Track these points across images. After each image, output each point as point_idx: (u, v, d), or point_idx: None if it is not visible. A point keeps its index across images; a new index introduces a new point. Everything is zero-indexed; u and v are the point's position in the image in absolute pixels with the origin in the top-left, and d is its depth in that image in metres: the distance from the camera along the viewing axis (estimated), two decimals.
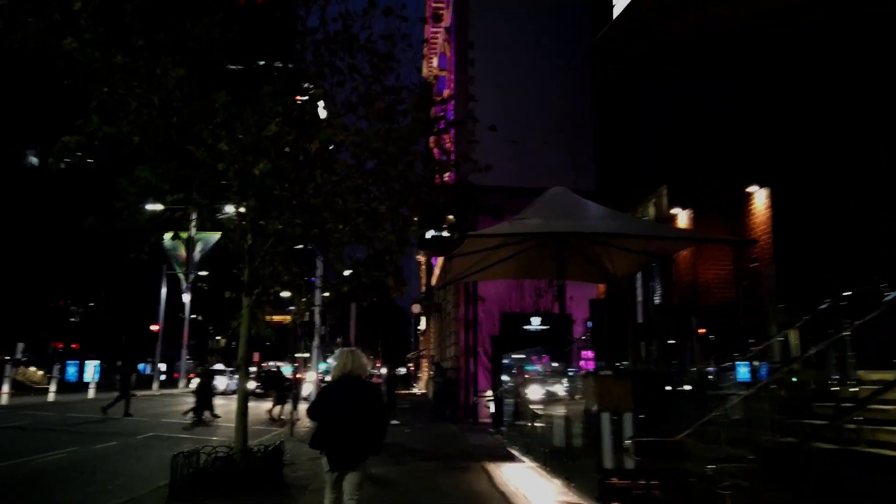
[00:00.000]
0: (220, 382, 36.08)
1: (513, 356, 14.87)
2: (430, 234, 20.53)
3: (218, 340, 75.62)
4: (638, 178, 15.40)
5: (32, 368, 40.30)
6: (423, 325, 54.03)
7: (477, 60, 21.77)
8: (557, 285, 8.26)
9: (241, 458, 8.12)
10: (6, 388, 21.51)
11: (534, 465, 9.48)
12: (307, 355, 28.80)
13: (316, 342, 18.10)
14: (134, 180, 6.97)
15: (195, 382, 35.44)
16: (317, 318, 18.19)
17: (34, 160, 64.94)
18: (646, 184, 15.04)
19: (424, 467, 10.61)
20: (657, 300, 14.50)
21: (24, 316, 49.01)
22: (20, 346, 42.70)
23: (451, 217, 20.52)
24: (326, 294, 18.92)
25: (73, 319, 55.48)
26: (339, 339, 55.64)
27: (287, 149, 6.43)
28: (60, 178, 47.69)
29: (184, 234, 33.44)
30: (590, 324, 17.79)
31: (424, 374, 53.35)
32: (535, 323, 21.77)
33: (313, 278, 19.08)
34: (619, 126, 16.88)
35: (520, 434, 11.67)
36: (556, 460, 7.97)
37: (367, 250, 9.00)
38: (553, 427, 8.50)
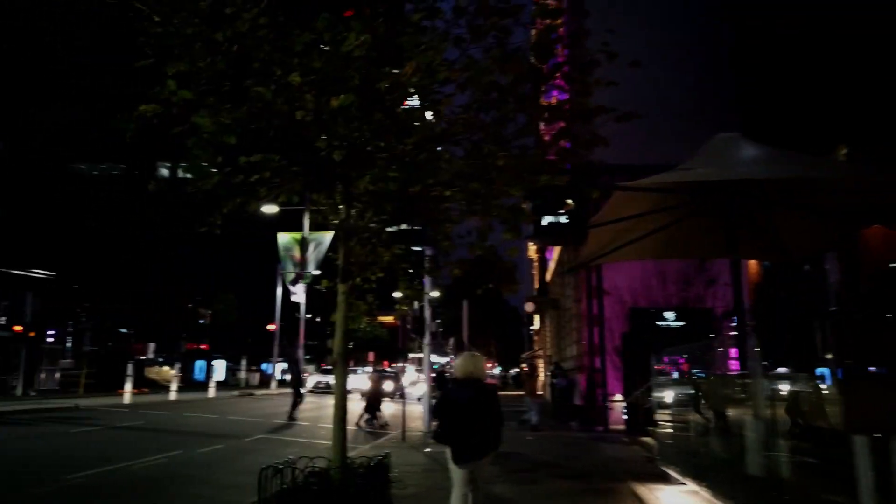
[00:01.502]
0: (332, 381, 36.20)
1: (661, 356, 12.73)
2: (546, 220, 18.67)
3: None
4: (801, 142, 12.79)
5: (166, 367, 42.29)
6: (536, 324, 51.97)
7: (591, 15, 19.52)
8: (732, 262, 6.20)
9: (339, 473, 6.73)
10: (128, 386, 21.91)
11: (708, 494, 7.33)
12: (420, 355, 27.77)
13: (427, 339, 16.76)
14: (198, 140, 5.76)
15: (312, 381, 35.78)
16: (427, 314, 16.86)
17: (164, 172, 69.33)
18: (812, 146, 12.42)
19: (561, 488, 8.84)
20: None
21: (158, 317, 52.02)
22: (152, 346, 45.17)
23: (569, 201, 18.55)
24: (434, 293, 17.69)
25: (201, 321, 58.31)
26: (451, 340, 54.76)
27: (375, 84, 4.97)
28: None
29: (297, 235, 33.69)
30: (735, 319, 15.26)
31: (540, 375, 51.25)
32: (670, 318, 19.35)
33: (423, 280, 17.82)
34: (773, 88, 14.27)
35: (674, 446, 9.58)
36: (749, 491, 5.80)
37: (481, 223, 7.37)
38: (733, 441, 6.39)
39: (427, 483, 8.86)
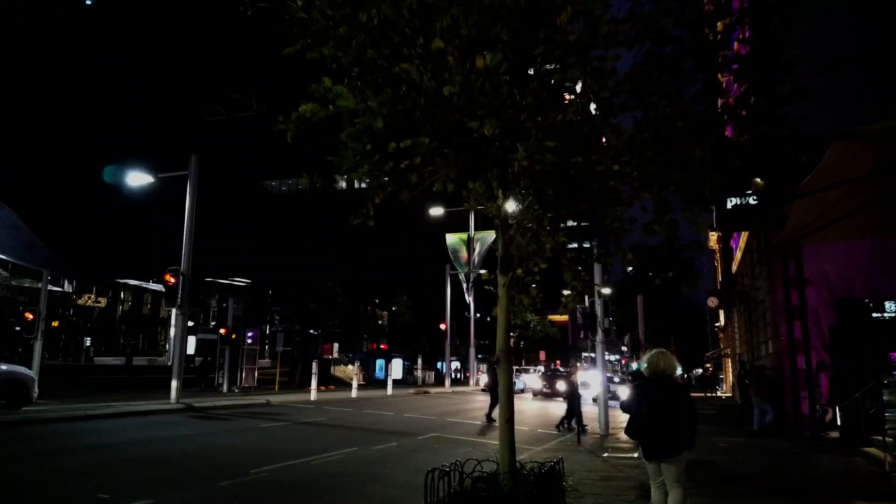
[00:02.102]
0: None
1: None
2: (731, 202, 16.73)
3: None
4: None
5: (350, 366, 44.91)
6: (721, 321, 47.92)
7: None
8: None
9: (508, 479, 6.21)
10: (314, 384, 23.26)
11: None
12: (593, 354, 26.63)
13: (599, 336, 15.74)
14: (352, 132, 5.57)
15: (483, 380, 35.91)
16: (598, 310, 15.86)
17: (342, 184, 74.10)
18: None
19: None
20: None
21: (342, 318, 55.57)
22: (336, 346, 48.24)
23: (758, 180, 16.43)
24: (606, 289, 16.55)
25: (380, 322, 61.38)
26: (625, 338, 52.31)
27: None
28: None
29: (464, 235, 34.03)
30: None
31: (728, 375, 47.20)
32: (891, 309, 16.49)
33: (592, 272, 16.73)
34: None
35: None
36: None
37: (656, 201, 6.42)
38: None
39: (605, 492, 8.05)
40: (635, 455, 11.76)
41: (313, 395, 22.87)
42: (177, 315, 17.57)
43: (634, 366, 27.55)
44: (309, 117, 6.29)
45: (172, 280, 17.14)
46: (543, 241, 7.52)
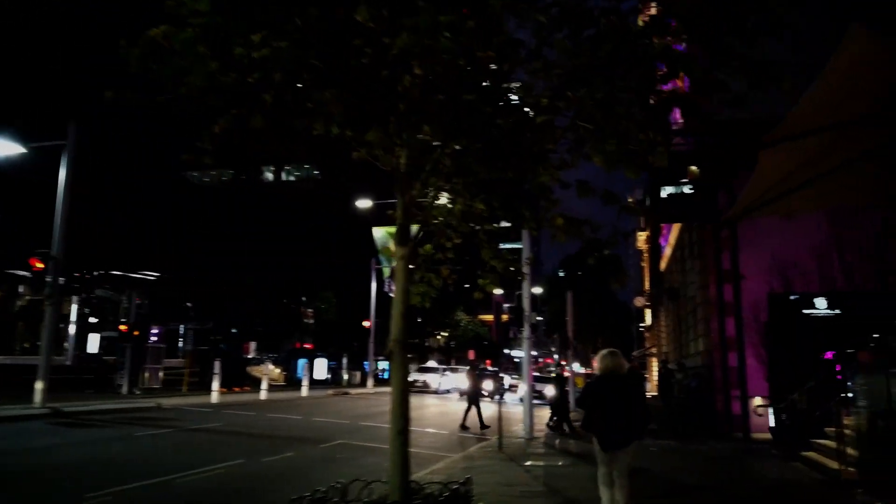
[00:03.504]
0: (431, 381, 34.59)
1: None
2: (666, 191, 15.87)
3: (438, 338, 76.28)
4: None
5: (271, 366, 42.52)
6: (647, 321, 48.19)
7: None
8: None
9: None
10: (216, 385, 21.15)
11: None
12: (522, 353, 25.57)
13: (526, 332, 14.51)
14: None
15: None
16: (525, 304, 14.62)
17: (269, 176, 71.10)
18: None
19: None
20: None
21: (263, 316, 52.89)
22: (253, 344, 45.69)
23: (693, 168, 15.66)
24: (537, 289, 15.29)
25: (306, 321, 58.90)
26: (555, 336, 51.93)
27: None
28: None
29: (392, 229, 32.35)
30: None
31: (653, 375, 47.52)
32: (821, 306, 15.92)
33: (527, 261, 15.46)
34: None
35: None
36: None
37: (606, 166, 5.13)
38: None
39: None
40: (560, 463, 10.53)
41: (215, 398, 20.75)
42: (47, 305, 15.19)
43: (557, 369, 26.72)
44: (162, 41, 4.63)
45: (40, 265, 14.77)
46: (457, 203, 6.14)
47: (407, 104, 5.16)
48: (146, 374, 26.91)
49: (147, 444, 11.65)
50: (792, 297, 15.53)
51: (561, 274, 60.10)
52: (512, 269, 7.51)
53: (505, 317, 55.38)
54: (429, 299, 6.79)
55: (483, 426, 15.46)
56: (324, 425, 15.64)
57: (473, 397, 16.18)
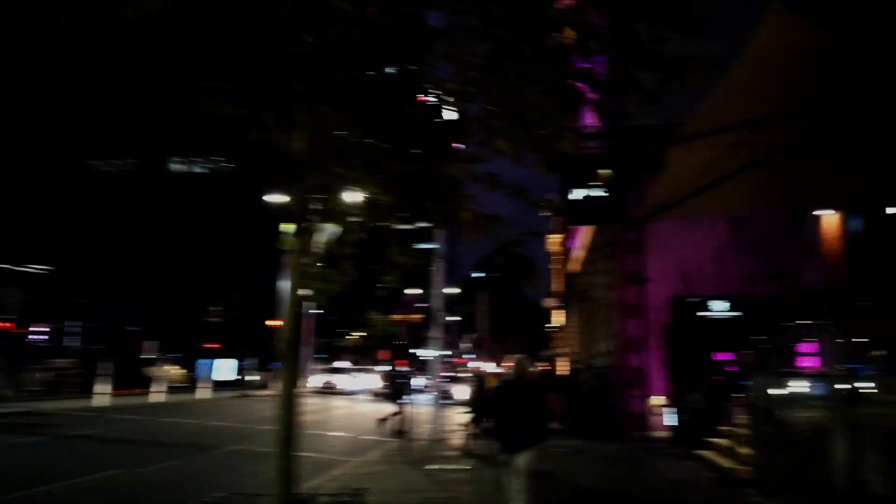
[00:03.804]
0: (339, 382, 33.75)
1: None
2: (577, 194, 16.03)
3: (350, 338, 75.06)
4: None
5: (174, 367, 40.35)
6: (557, 322, 49.27)
7: None
8: None
9: None
10: (104, 387, 19.67)
11: None
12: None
13: (437, 332, 14.23)
14: None
15: (319, 380, 33.32)
16: (437, 303, 14.35)
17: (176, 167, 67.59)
18: None
19: None
20: None
21: (166, 315, 50.16)
22: (153, 344, 43.19)
23: (605, 171, 15.89)
24: (454, 289, 15.04)
25: (212, 320, 56.38)
26: (469, 336, 52.23)
27: None
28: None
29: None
30: None
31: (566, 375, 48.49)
32: (718, 308, 16.55)
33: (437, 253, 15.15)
34: None
35: (777, 467, 6.95)
36: None
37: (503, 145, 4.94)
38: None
39: None
40: (465, 466, 10.29)
41: (105, 400, 19.27)
42: None
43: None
44: None
45: None
46: (359, 197, 5.79)
47: (305, 83, 4.76)
48: (31, 375, 24.80)
49: (14, 454, 10.49)
50: (690, 300, 16.07)
51: (476, 275, 60.63)
52: (419, 266, 7.19)
53: (415, 317, 55.08)
54: (327, 298, 6.38)
55: (399, 431, 15.09)
56: (220, 429, 14.76)
57: (395, 400, 15.68)
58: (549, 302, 47.78)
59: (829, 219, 11.24)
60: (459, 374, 41.61)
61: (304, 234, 5.23)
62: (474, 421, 15.90)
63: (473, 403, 16.42)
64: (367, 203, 5.71)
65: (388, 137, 5.17)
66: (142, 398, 22.86)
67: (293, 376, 4.92)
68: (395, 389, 15.12)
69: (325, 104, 4.84)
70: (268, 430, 14.68)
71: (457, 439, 14.37)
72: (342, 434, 14.93)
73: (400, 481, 8.50)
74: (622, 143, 15.36)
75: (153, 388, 23.98)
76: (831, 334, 9.26)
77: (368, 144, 5.18)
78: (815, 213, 11.68)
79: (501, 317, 52.19)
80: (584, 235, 24.72)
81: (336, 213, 5.61)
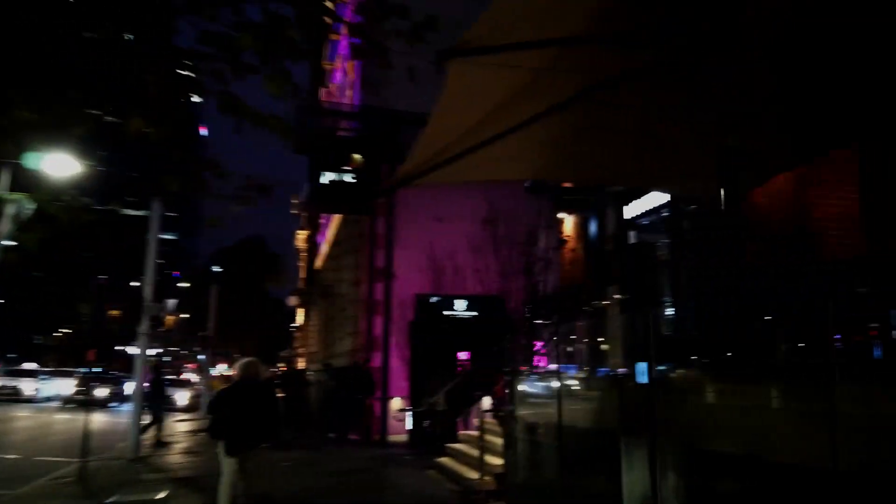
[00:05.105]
0: (26, 387, 27.68)
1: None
2: (327, 177, 14.64)
3: (54, 336, 64.09)
4: None
5: None
6: (300, 320, 47.29)
7: None
8: None
9: None
10: None
11: None
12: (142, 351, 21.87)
13: (144, 327, 11.61)
14: None
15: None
16: (146, 291, 11.77)
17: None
18: None
19: None
20: None
21: None
22: None
23: (357, 156, 14.76)
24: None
25: None
26: (200, 334, 47.53)
27: None
28: None
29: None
30: None
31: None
32: (460, 308, 16.39)
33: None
34: None
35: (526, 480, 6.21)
36: None
37: None
38: None
39: None
40: (159, 495, 8.13)
41: None
42: None
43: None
44: None
45: None
46: None
47: None
48: None
49: None
50: (434, 300, 15.68)
51: (215, 270, 55.70)
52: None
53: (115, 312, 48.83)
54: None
55: (159, 443, 12.52)
56: None
57: (155, 407, 12.95)
58: (292, 300, 45.66)
59: (571, 219, 11.42)
60: (182, 377, 37.50)
61: None
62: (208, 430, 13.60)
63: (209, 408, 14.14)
64: None
65: None
66: None
67: None
68: (151, 395, 12.79)
69: None
70: None
71: (161, 456, 11.89)
72: (10, 456, 11.49)
73: None
74: (377, 126, 14.40)
75: None
76: (550, 335, 9.09)
77: None
78: (559, 215, 11.82)
79: (241, 315, 48.58)
80: (331, 229, 23.43)
81: None
